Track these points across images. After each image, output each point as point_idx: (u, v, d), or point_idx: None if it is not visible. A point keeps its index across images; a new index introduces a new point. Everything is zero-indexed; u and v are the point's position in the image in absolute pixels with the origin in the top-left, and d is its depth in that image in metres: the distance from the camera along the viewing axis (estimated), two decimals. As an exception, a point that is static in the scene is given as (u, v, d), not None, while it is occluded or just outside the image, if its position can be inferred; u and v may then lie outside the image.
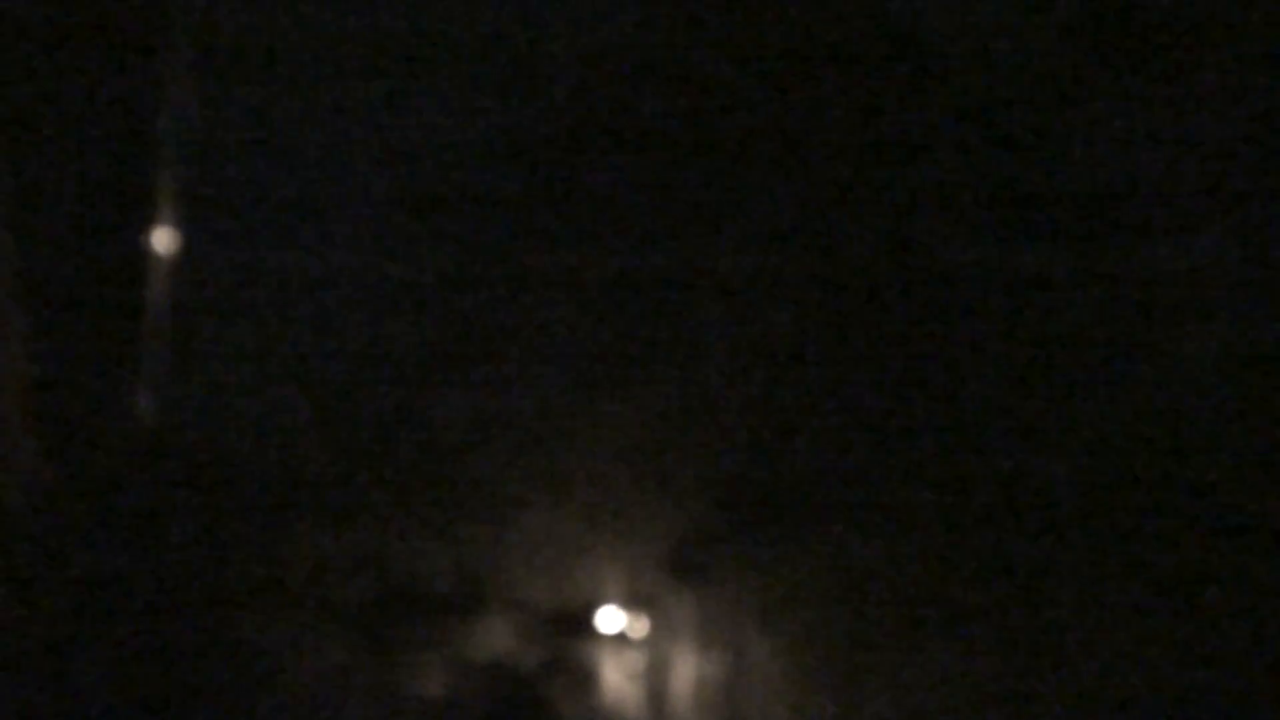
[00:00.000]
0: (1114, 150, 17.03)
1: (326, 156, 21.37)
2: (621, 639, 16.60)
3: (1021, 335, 20.56)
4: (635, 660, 17.69)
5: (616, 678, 21.96)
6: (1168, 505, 18.99)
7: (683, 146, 19.30)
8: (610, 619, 17.64)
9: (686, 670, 24.47)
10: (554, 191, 20.82)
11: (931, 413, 20.29)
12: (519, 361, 21.22)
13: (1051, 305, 20.52)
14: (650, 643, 18.94)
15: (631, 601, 21.31)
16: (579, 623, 16.37)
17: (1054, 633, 19.40)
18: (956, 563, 19.85)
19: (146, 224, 16.45)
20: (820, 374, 21.54)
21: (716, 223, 21.39)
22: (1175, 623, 18.94)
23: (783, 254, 21.44)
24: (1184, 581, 18.80)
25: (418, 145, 20.64)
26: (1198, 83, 16.81)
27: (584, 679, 16.03)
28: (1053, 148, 17.37)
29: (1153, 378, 18.38)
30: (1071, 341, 20.26)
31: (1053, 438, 20.31)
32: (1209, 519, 17.77)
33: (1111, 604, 19.58)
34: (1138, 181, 16.52)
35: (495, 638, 18.53)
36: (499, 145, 19.58)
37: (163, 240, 17.16)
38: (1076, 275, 18.59)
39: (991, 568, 19.59)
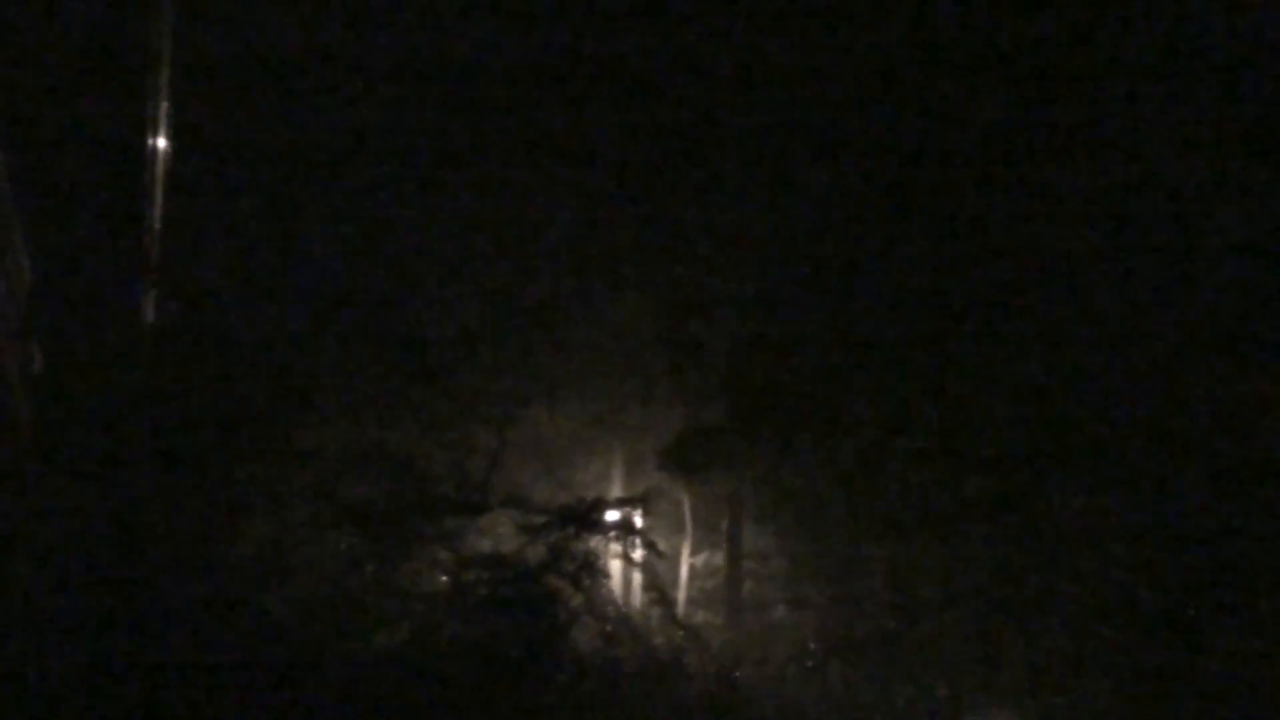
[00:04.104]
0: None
1: (318, 42, 20.86)
2: (623, 533, 16.80)
3: (1008, 241, 20.16)
4: (636, 553, 17.88)
5: (618, 570, 21.75)
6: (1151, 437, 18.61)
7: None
8: (612, 514, 17.62)
9: (686, 563, 24.37)
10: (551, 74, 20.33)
11: (923, 318, 20.15)
12: (522, 261, 21.00)
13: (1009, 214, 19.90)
14: (651, 537, 19.01)
15: (633, 497, 21.07)
16: (582, 518, 16.54)
17: (1045, 529, 19.46)
18: (948, 462, 19.87)
19: (144, 116, 16.33)
20: (820, 280, 21.34)
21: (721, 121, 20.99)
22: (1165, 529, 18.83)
23: (786, 157, 21.16)
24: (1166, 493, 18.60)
25: (413, 17, 20.21)
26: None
27: (587, 572, 16.32)
28: None
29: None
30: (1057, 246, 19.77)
31: (1040, 342, 20.04)
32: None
33: (1103, 503, 19.64)
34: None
35: (499, 533, 18.64)
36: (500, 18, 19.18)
37: (160, 132, 16.98)
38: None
39: (982, 468, 19.64)
